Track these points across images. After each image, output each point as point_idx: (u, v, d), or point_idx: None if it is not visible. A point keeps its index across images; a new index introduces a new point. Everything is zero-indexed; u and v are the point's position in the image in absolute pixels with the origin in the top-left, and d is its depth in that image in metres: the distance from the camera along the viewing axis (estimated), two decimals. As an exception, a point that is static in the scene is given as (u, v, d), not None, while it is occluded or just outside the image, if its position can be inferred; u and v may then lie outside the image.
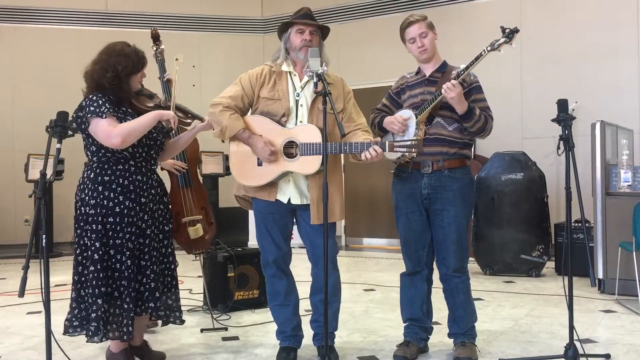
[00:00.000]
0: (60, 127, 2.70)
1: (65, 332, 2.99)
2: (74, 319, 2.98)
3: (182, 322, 3.25)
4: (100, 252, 2.90)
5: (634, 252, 4.37)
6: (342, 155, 3.18)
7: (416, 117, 3.15)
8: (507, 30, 3.04)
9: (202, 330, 3.93)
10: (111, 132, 2.85)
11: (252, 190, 3.19)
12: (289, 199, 3.14)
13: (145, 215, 3.01)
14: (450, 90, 3.00)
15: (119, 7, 8.63)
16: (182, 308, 4.45)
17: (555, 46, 7.03)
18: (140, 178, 3.01)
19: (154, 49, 4.08)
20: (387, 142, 2.96)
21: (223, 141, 3.20)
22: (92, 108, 2.90)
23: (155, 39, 4.12)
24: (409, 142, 2.92)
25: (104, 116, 2.88)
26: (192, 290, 5.21)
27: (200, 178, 4.90)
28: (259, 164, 3.11)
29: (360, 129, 3.18)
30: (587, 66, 6.88)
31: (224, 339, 3.78)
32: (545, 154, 6.63)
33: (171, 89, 3.93)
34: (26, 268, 2.47)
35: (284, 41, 3.19)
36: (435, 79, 3.23)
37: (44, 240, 2.56)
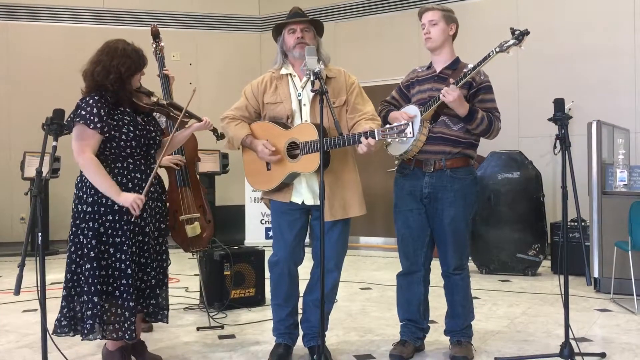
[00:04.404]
0: (56, 124, 2.70)
1: (54, 332, 2.94)
2: (62, 319, 2.95)
3: (167, 321, 3.19)
4: (96, 250, 2.87)
5: (630, 252, 4.37)
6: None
7: (421, 115, 3.10)
8: (516, 32, 2.98)
9: (198, 329, 3.93)
10: (83, 152, 2.85)
11: (269, 193, 3.23)
12: (303, 201, 3.15)
13: (144, 213, 3.00)
14: (448, 95, 2.98)
15: (116, 5, 8.60)
16: (179, 306, 4.50)
17: (552, 45, 7.02)
18: (138, 176, 3.00)
19: (154, 46, 4.08)
20: (375, 131, 2.89)
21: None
22: (83, 112, 2.87)
23: (155, 36, 4.13)
24: (396, 128, 2.84)
25: (91, 126, 2.85)
26: (188, 289, 5.21)
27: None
28: (268, 169, 3.16)
29: (364, 118, 3.13)
30: (584, 65, 6.88)
31: (221, 337, 3.78)
32: (542, 153, 6.63)
33: (169, 86, 3.94)
34: (22, 266, 2.47)
35: (280, 44, 3.22)
36: (445, 75, 3.18)
37: (39, 238, 2.54)
